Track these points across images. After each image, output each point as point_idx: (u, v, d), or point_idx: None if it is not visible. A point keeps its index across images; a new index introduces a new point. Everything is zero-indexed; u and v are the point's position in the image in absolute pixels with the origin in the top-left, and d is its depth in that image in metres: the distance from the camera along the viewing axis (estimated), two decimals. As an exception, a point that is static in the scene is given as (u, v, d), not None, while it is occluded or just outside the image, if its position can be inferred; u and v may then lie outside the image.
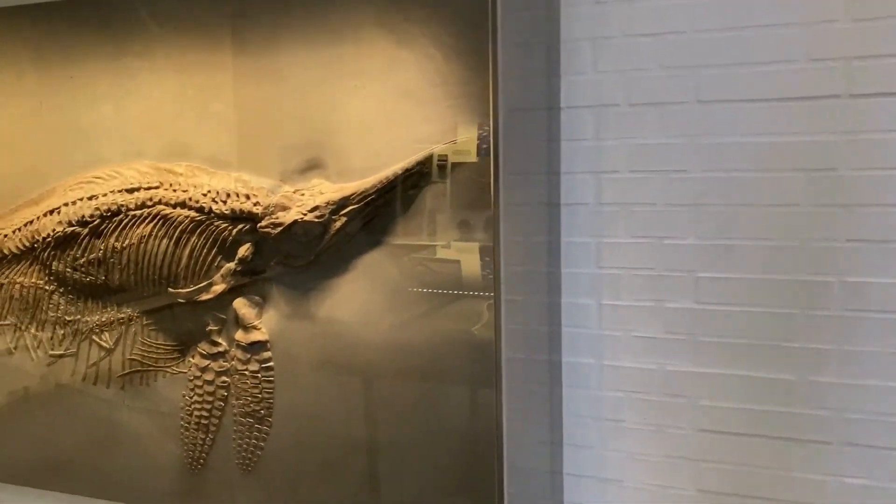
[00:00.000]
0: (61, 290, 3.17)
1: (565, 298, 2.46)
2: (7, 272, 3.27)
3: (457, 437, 2.55)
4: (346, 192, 2.59)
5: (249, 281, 2.85)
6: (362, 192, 2.56)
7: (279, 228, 2.65)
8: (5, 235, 3.24)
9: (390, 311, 2.59)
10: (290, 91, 2.66)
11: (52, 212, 3.10)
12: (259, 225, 2.70)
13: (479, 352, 2.44)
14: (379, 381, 2.66)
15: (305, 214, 2.63)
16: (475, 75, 2.32)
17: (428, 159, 2.46)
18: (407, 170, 2.48)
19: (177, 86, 2.85)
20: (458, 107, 2.35)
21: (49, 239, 3.08)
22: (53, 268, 3.12)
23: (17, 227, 3.20)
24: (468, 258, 2.45)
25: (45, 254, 3.13)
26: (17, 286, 3.26)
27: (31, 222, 3.16)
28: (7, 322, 3.32)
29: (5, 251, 3.23)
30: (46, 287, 3.20)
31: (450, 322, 2.48)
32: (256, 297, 2.83)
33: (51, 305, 3.21)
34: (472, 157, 2.42)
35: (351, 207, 2.59)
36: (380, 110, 2.53)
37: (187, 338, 2.99)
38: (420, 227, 2.50)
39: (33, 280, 3.21)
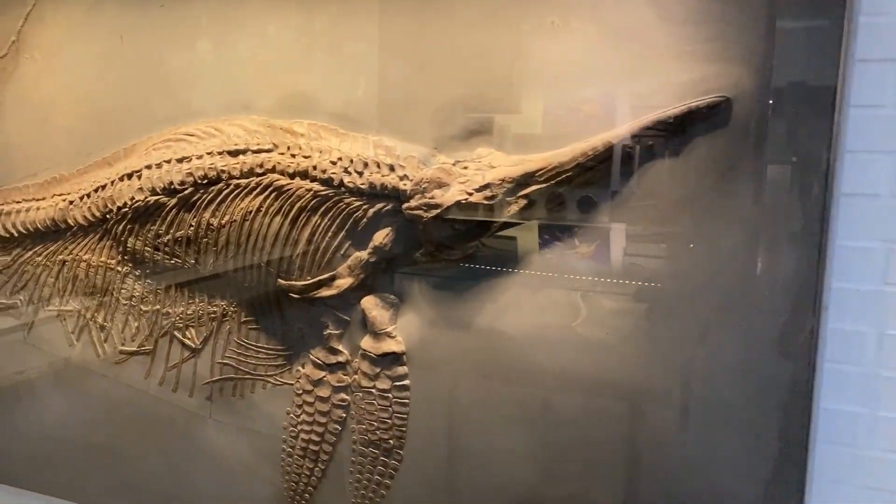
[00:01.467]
0: (137, 273, 2.61)
1: (831, 323, 1.81)
2: (71, 247, 2.72)
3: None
4: (530, 167, 1.96)
5: (384, 275, 2.24)
6: (554, 168, 1.93)
7: (434, 211, 2.04)
8: (71, 202, 2.68)
9: (579, 325, 1.96)
10: (456, 27, 2.04)
11: (130, 175, 2.53)
12: (406, 205, 2.09)
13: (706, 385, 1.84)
14: (560, 424, 2.05)
15: (471, 194, 2.02)
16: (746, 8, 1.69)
17: (660, 124, 1.81)
18: (637, 136, 1.83)
19: (300, 18, 2.26)
20: (716, 53, 1.71)
21: (125, 209, 2.52)
22: (129, 245, 2.56)
23: (86, 192, 2.64)
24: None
25: (120, 227, 2.57)
26: (83, 265, 2.71)
27: (104, 187, 2.59)
28: (69, 308, 2.77)
29: (70, 221, 2.68)
30: (119, 268, 2.65)
31: (664, 345, 1.88)
32: (391, 297, 2.24)
33: (123, 291, 2.65)
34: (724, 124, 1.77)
35: (536, 187, 1.97)
36: (586, 56, 1.88)
37: (297, 342, 2.42)
38: (639, 213, 1.86)
39: (103, 258, 2.66)
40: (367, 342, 2.35)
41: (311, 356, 2.46)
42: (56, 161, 2.82)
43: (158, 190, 2.52)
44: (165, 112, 2.58)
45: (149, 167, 2.56)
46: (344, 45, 2.25)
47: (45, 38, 2.75)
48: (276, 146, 2.37)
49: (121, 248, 2.69)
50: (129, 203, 2.59)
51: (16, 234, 2.91)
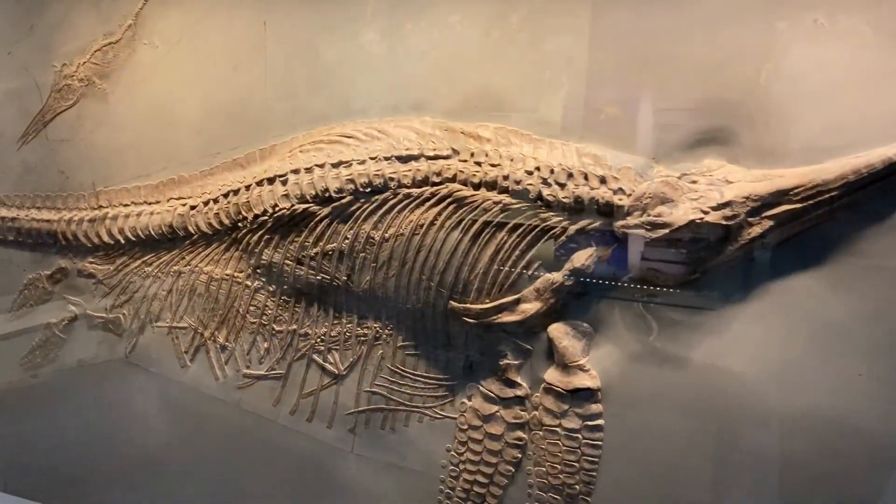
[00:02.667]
0: (271, 289, 2.38)
1: None
2: (189, 257, 2.47)
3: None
4: (783, 184, 1.76)
5: (577, 300, 2.01)
6: (816, 186, 1.72)
7: (661, 231, 1.83)
8: (193, 207, 2.44)
9: (825, 366, 1.75)
10: (691, 22, 1.81)
11: (271, 180, 2.29)
12: (621, 223, 1.89)
13: None
14: (799, 476, 1.83)
15: (707, 213, 1.81)
16: None
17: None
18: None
19: (495, 10, 2.09)
20: None
21: (264, 217, 2.28)
22: (264, 257, 2.30)
23: (212, 197, 2.41)
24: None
25: (255, 237, 2.33)
26: (204, 277, 2.48)
27: (236, 192, 2.35)
28: (183, 324, 2.53)
29: (191, 228, 2.43)
30: (248, 282, 2.41)
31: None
32: (584, 325, 2.02)
33: (252, 308, 2.42)
34: None
35: (788, 207, 1.75)
36: (859, 60, 1.66)
37: (464, 371, 2.23)
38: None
39: (228, 271, 2.42)
40: (553, 375, 2.13)
41: (482, 388, 2.23)
42: (175, 160, 2.58)
43: (309, 197, 2.28)
44: (316, 110, 2.35)
45: (296, 171, 2.32)
46: (546, 39, 2.01)
47: (168, 22, 2.51)
48: (456, 152, 2.14)
49: (253, 261, 2.44)
50: (271, 211, 2.35)
51: (122, 241, 2.66)
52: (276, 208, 2.37)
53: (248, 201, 2.42)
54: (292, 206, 2.34)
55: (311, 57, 2.33)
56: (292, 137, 2.40)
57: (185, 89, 2.54)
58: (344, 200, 2.28)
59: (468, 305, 2.18)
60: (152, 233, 2.61)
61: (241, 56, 2.42)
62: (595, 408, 2.12)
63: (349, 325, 2.40)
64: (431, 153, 2.18)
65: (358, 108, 2.30)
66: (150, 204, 2.63)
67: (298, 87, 2.36)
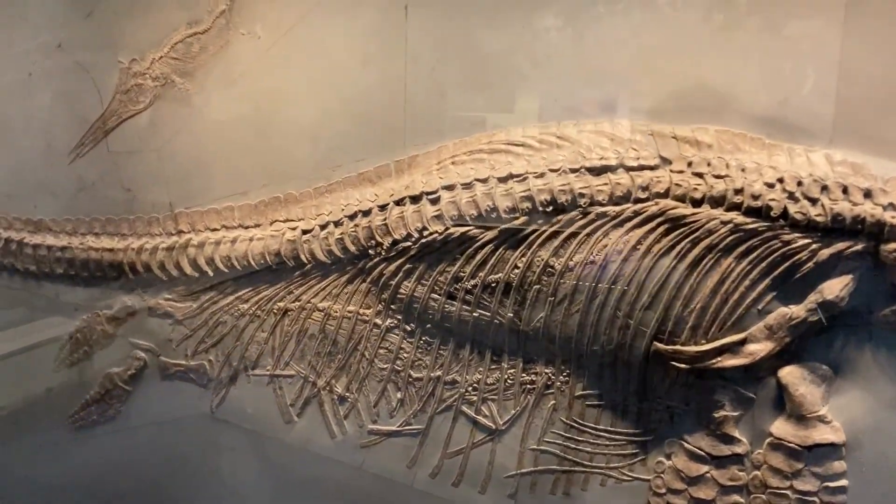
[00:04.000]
0: (409, 328, 2.00)
1: None
2: (299, 291, 2.09)
3: None
4: None
5: (815, 339, 1.68)
6: None
7: None
8: (306, 232, 2.07)
9: None
10: None
11: (415, 198, 1.94)
12: (893, 247, 1.52)
13: None
14: None
15: None
16: None
17: None
18: None
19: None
20: None
21: (407, 243, 1.90)
22: (403, 291, 1.91)
23: (333, 219, 2.09)
24: None
25: (391, 267, 1.97)
26: (319, 315, 2.11)
27: (366, 213, 1.99)
28: (288, 372, 2.12)
29: (304, 257, 2.06)
30: (378, 320, 2.03)
31: None
32: (824, 368, 1.73)
33: (383, 351, 2.04)
34: None
35: None
36: None
37: (662, 424, 1.87)
38: None
39: (352, 308, 2.05)
40: (784, 428, 1.80)
41: (686, 444, 1.89)
42: (280, 175, 2.18)
43: (469, 219, 1.89)
44: (472, 113, 1.97)
45: (450, 188, 1.94)
46: (786, 23, 1.66)
47: (275, 7, 2.10)
48: (666, 161, 1.79)
49: (386, 295, 2.04)
50: (416, 236, 1.95)
51: (211, 273, 2.22)
52: (425, 232, 1.96)
53: (386, 224, 2.01)
54: (446, 229, 1.95)
55: (468, 49, 1.94)
56: (440, 147, 2.01)
57: (295, 88, 2.12)
58: (516, 222, 1.89)
59: (679, 348, 1.83)
60: (252, 263, 2.17)
61: (372, 48, 2.02)
62: (838, 466, 1.80)
63: (511, 371, 2.02)
64: (633, 163, 1.82)
65: (528, 110, 1.94)
66: (247, 228, 2.20)
67: (449, 86, 1.98)
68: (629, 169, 1.86)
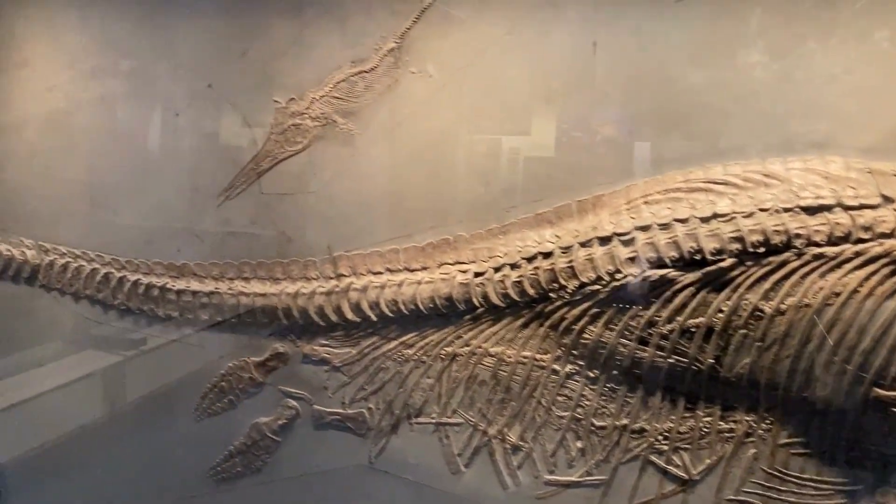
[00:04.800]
0: (591, 374, 1.96)
1: None
2: (468, 335, 2.04)
3: None
4: None
5: None
6: None
7: None
8: (479, 275, 2.01)
9: None
10: None
11: (604, 239, 1.94)
12: None
13: None
14: None
15: None
16: None
17: None
18: None
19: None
20: None
21: (595, 287, 1.84)
22: (588, 336, 1.85)
23: (508, 261, 2.11)
24: None
25: (574, 311, 1.90)
26: (490, 361, 2.04)
27: (547, 255, 1.98)
28: (455, 420, 2.05)
29: (476, 301, 2.06)
30: (557, 366, 1.99)
31: None
32: None
33: (562, 398, 1.99)
34: None
35: None
36: None
37: (874, 472, 1.77)
38: None
39: (527, 353, 1.99)
40: None
41: (903, 494, 1.80)
42: (449, 217, 2.16)
43: (669, 261, 1.82)
44: (666, 150, 1.95)
45: (645, 228, 1.88)
46: None
47: (449, 45, 2.05)
48: (889, 200, 1.72)
49: (567, 340, 1.97)
50: (607, 279, 1.89)
51: (374, 318, 2.15)
52: (618, 275, 1.90)
53: (572, 266, 1.95)
54: (643, 271, 1.87)
55: (664, 84, 1.90)
56: (628, 185, 1.96)
57: (467, 127, 2.08)
58: (723, 264, 1.82)
59: (904, 394, 1.75)
60: (420, 307, 2.11)
61: (556, 85, 1.98)
62: None
63: (707, 419, 1.96)
64: (853, 202, 1.76)
65: (730, 147, 1.88)
66: (413, 271, 2.14)
67: (640, 122, 1.91)
68: (848, 209, 1.81)
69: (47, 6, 2.46)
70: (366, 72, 2.17)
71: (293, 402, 2.36)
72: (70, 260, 2.55)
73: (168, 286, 2.43)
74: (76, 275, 2.54)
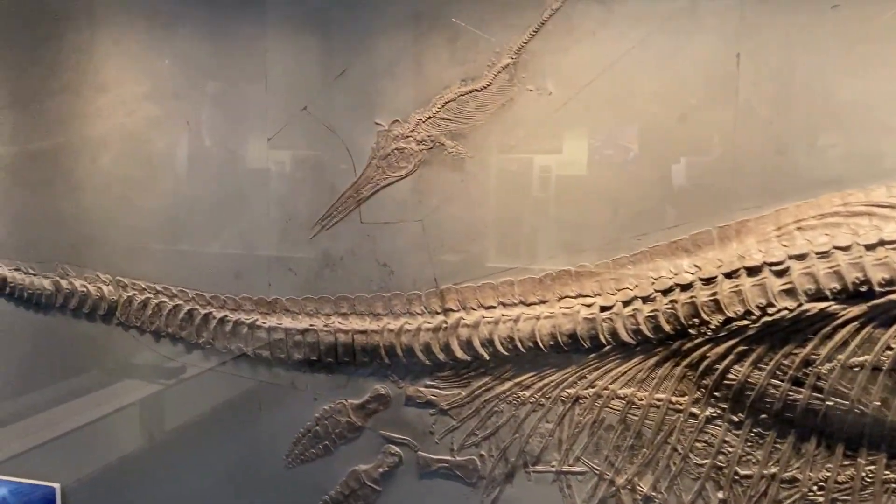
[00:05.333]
0: (736, 419, 1.85)
1: None
2: (592, 375, 1.89)
3: None
4: None
5: None
6: None
7: None
8: (605, 309, 1.85)
9: None
10: None
11: (752, 270, 1.80)
12: None
13: None
14: None
15: None
16: None
17: None
18: None
19: None
20: None
21: (744, 322, 1.67)
22: (733, 376, 1.68)
23: (640, 294, 1.97)
24: None
25: (718, 349, 1.75)
26: (618, 403, 1.88)
27: (685, 287, 1.82)
28: (579, 469, 1.87)
29: (602, 337, 1.88)
30: (695, 410, 1.82)
31: None
32: None
33: (700, 445, 1.87)
34: None
35: None
36: None
37: None
38: None
39: (661, 395, 1.85)
40: None
41: None
42: (570, 246, 1.96)
43: (830, 293, 1.63)
44: (818, 171, 1.73)
45: (800, 257, 1.72)
46: None
47: (567, 61, 1.88)
48: None
49: (707, 380, 1.79)
50: (758, 313, 1.71)
51: (487, 356, 1.97)
52: (770, 309, 1.71)
53: (716, 299, 1.76)
54: (799, 305, 1.69)
55: (816, 98, 1.72)
56: (777, 210, 1.79)
57: (591, 148, 1.91)
58: (893, 296, 1.63)
59: None
60: (539, 344, 1.95)
61: (694, 101, 1.81)
62: None
63: (871, 468, 1.79)
64: None
65: (893, 167, 1.66)
66: (530, 305, 1.97)
67: (789, 140, 1.75)
68: None
69: (126, 27, 2.34)
70: (477, 90, 2.02)
71: (395, 449, 2.20)
72: (150, 296, 2.40)
73: (258, 323, 2.27)
74: (157, 312, 2.39)
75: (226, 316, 2.32)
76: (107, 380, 2.52)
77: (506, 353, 2.07)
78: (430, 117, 2.07)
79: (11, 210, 2.54)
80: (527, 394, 2.09)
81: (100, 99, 2.40)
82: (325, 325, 2.22)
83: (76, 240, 2.47)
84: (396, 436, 2.21)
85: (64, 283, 2.50)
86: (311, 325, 2.24)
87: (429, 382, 2.16)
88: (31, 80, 2.47)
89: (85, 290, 2.46)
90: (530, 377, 2.08)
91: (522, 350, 2.05)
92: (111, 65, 2.37)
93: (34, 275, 2.54)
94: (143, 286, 2.42)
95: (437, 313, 2.13)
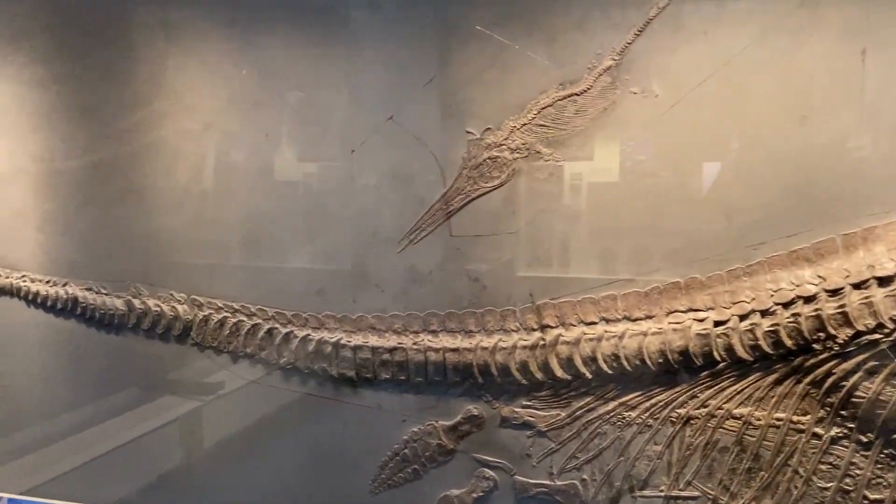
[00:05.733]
0: (865, 439, 1.67)
1: None
2: (705, 394, 1.81)
3: None
4: None
5: None
6: None
7: None
8: (719, 323, 1.72)
9: None
10: None
11: (883, 280, 1.64)
12: None
13: None
14: None
15: None
16: None
17: None
18: None
19: None
20: None
21: (875, 336, 1.56)
22: (862, 393, 1.56)
23: (758, 307, 1.87)
24: None
25: (845, 365, 1.59)
26: (734, 423, 1.75)
27: (809, 299, 1.69)
28: (690, 493, 1.74)
29: (716, 353, 1.81)
30: (819, 430, 1.69)
31: None
32: None
33: (825, 467, 1.70)
34: None
35: None
36: None
37: None
38: None
39: (781, 414, 1.71)
40: None
41: None
42: (680, 256, 1.83)
43: None
44: (959, 172, 1.59)
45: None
46: None
47: (675, 61, 1.77)
48: None
49: (833, 398, 1.67)
50: (892, 326, 1.57)
51: (589, 375, 1.87)
52: (911, 320, 1.60)
53: (844, 312, 1.64)
54: None
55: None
56: (923, 214, 1.65)
57: (701, 152, 1.82)
58: None
59: None
60: (647, 362, 1.83)
61: (816, 101, 1.71)
62: None
63: None
64: None
65: None
66: (635, 320, 1.86)
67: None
68: None
69: (202, 38, 2.27)
70: (577, 94, 1.92)
71: (490, 472, 2.10)
72: (227, 315, 2.32)
73: (343, 342, 2.18)
74: (234, 331, 2.31)
75: (308, 335, 2.24)
76: (179, 401, 2.43)
77: (610, 372, 1.96)
78: (525, 124, 1.98)
79: (83, 227, 2.48)
80: (633, 414, 1.98)
81: (174, 112, 2.33)
82: (414, 344, 2.13)
83: (149, 258, 2.40)
84: (491, 459, 2.11)
85: (137, 302, 2.42)
86: (399, 344, 2.15)
87: (525, 402, 2.07)
88: (104, 94, 2.41)
89: (159, 309, 2.39)
90: (636, 397, 1.97)
91: (628, 368, 1.95)
92: (186, 77, 2.31)
93: (106, 294, 2.47)
94: (220, 304, 2.34)
95: (534, 330, 2.03)
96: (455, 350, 2.10)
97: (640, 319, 1.96)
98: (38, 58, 2.48)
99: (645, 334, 1.94)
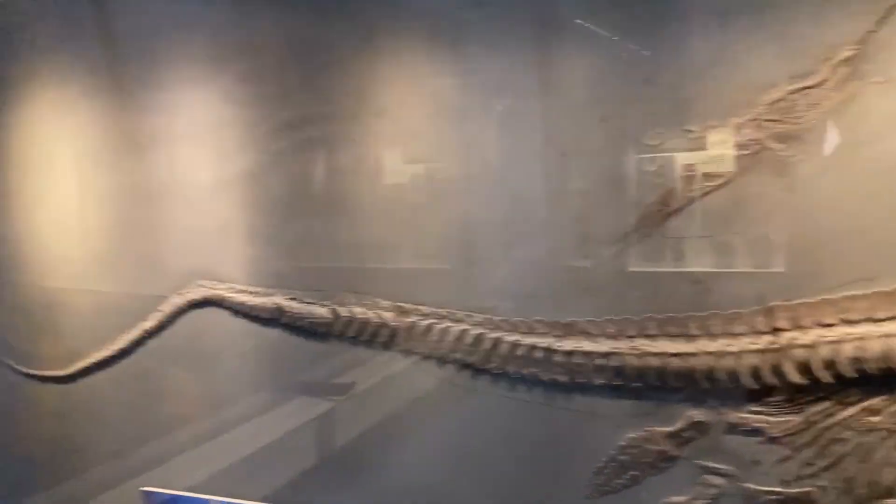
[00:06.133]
0: None
1: None
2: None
3: None
4: None
5: None
6: None
7: None
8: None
9: None
10: None
11: None
12: None
13: None
14: None
15: None
16: None
17: None
18: None
19: None
20: None
21: None
22: None
23: None
24: None
25: None
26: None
27: None
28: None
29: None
30: None
31: None
32: None
33: None
34: None
35: None
36: None
37: None
38: None
39: None
40: None
41: None
42: None
43: None
44: None
45: None
46: None
47: None
48: None
49: None
50: None
51: (829, 380, 1.75)
52: None
53: None
54: None
55: None
56: None
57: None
58: None
59: None
60: (894, 365, 1.70)
61: None
62: None
63: None
64: None
65: None
66: (879, 322, 1.75)
67: None
68: None
69: (406, 50, 2.31)
70: (810, 87, 1.85)
71: (717, 481, 2.03)
72: (434, 321, 2.35)
73: (554, 347, 2.17)
74: (442, 337, 2.33)
75: (518, 340, 2.24)
76: (382, 406, 2.48)
77: (843, 376, 1.88)
78: (752, 119, 1.93)
79: (288, 240, 2.57)
80: (876, 419, 1.90)
81: (379, 123, 2.38)
82: (632, 349, 2.10)
83: (354, 267, 2.45)
84: (717, 465, 2.06)
85: (342, 310, 2.49)
86: (615, 349, 2.12)
87: (754, 408, 2.00)
88: (305, 108, 2.48)
89: (364, 316, 2.44)
90: (881, 401, 1.88)
91: (870, 372, 1.85)
92: (391, 88, 2.35)
93: (310, 303, 2.55)
94: (426, 311, 2.37)
95: (765, 333, 1.96)
96: (678, 355, 2.06)
97: (885, 321, 1.87)
98: (243, 77, 2.58)
99: (890, 336, 1.85)
